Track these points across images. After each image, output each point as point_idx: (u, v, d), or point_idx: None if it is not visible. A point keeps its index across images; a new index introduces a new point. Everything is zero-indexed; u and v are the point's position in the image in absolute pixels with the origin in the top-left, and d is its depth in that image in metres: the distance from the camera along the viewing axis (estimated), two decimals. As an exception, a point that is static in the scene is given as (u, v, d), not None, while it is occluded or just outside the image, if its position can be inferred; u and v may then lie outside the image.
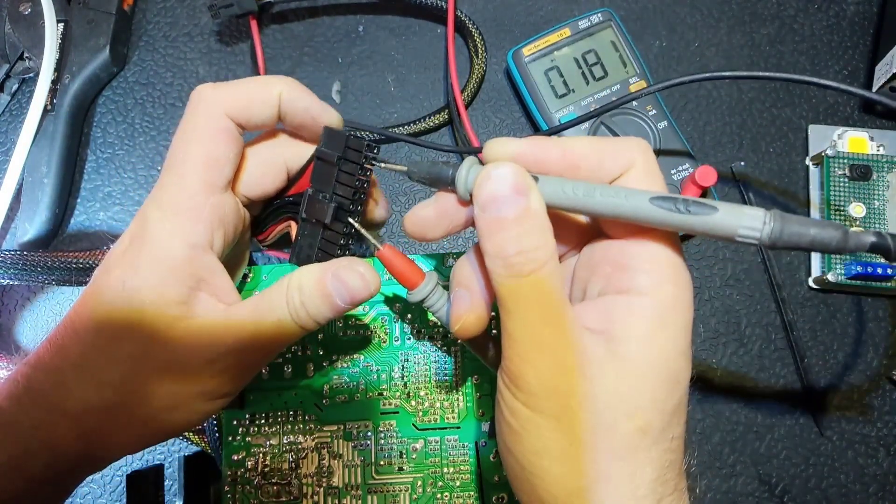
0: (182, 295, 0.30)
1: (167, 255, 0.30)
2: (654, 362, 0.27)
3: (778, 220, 0.25)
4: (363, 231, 0.33)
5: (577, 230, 0.31)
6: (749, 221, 0.25)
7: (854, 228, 0.46)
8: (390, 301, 0.42)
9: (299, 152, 0.34)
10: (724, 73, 0.43)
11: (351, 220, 0.33)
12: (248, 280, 0.40)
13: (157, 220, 0.30)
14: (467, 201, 0.29)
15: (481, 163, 0.29)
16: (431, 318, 0.42)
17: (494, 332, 0.39)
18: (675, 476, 0.27)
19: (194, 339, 0.30)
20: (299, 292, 0.31)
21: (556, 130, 0.47)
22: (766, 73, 0.42)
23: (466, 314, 0.30)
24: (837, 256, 0.46)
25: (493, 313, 0.37)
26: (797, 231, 0.25)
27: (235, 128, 0.31)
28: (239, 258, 0.37)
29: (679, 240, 0.28)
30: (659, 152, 0.47)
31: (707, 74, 0.43)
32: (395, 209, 0.51)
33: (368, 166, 0.32)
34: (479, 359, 0.37)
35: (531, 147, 0.29)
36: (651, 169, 0.29)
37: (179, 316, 0.30)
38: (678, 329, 0.28)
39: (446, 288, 0.34)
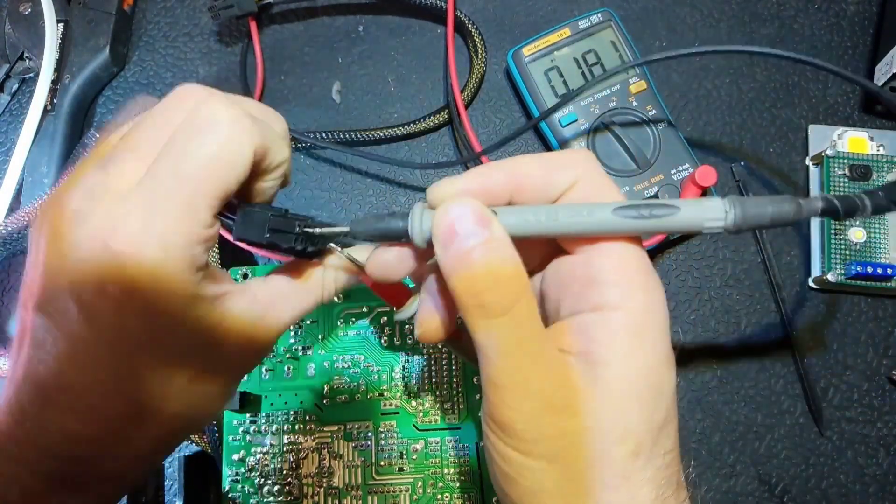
0: (200, 275, 0.26)
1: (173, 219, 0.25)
2: (637, 378, 0.26)
3: (738, 206, 0.25)
4: (348, 255, 0.30)
5: (538, 249, 0.30)
6: (711, 213, 0.26)
7: (854, 231, 0.47)
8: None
9: None
10: (717, 48, 0.43)
11: (337, 247, 0.30)
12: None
13: (152, 248, 0.25)
14: (424, 249, 0.28)
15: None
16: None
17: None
18: (674, 491, 0.27)
19: (231, 332, 0.27)
20: (335, 279, 0.31)
21: (544, 115, 0.47)
22: (763, 49, 0.42)
23: (429, 320, 0.30)
24: (837, 256, 0.46)
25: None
26: (756, 212, 0.26)
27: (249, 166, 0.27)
28: None
29: (640, 242, 0.28)
30: (659, 152, 0.47)
31: (701, 49, 0.43)
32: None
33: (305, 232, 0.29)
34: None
35: (475, 179, 0.28)
36: (597, 178, 0.28)
37: (208, 296, 0.26)
38: (656, 337, 0.27)
39: None
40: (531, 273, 0.31)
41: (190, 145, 0.25)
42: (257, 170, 0.27)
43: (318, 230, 0.29)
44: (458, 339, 0.34)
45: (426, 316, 0.30)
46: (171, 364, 0.26)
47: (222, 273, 0.29)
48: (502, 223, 0.26)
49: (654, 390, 0.27)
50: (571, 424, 0.26)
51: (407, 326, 0.42)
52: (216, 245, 0.40)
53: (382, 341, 0.42)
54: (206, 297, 0.26)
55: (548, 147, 0.50)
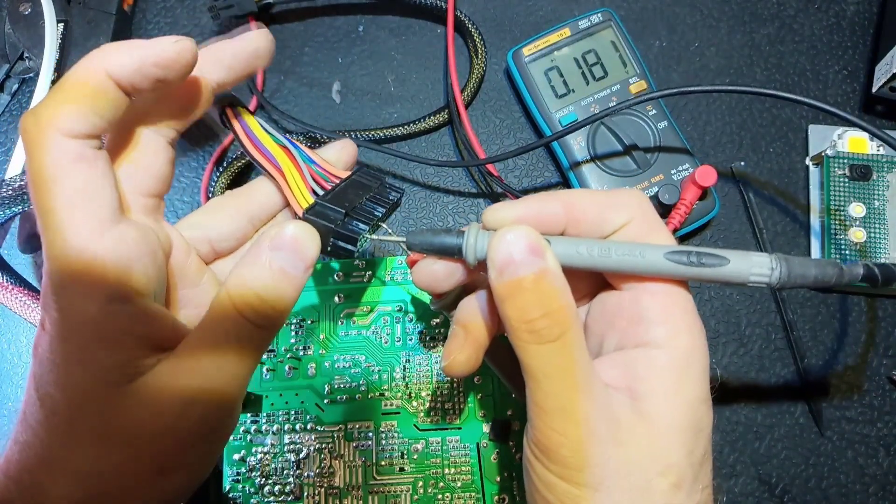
0: (117, 361, 0.25)
1: (79, 323, 0.25)
2: (679, 415, 0.27)
3: (784, 265, 0.27)
4: (395, 237, 0.31)
5: (586, 281, 0.31)
6: (758, 269, 0.27)
7: (854, 231, 0.47)
8: (392, 302, 0.42)
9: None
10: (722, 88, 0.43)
11: (383, 223, 0.32)
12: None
13: (56, 286, 0.25)
14: (475, 268, 0.29)
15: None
16: (433, 319, 0.42)
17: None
18: None
19: (148, 403, 0.26)
20: (253, 295, 0.26)
21: (560, 134, 0.47)
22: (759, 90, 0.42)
23: (457, 353, 0.30)
24: (837, 257, 0.46)
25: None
26: (801, 272, 0.27)
27: (86, 142, 0.25)
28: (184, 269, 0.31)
29: (688, 287, 0.29)
30: (659, 152, 0.47)
31: (709, 88, 0.43)
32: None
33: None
34: (491, 369, 0.37)
35: (532, 206, 0.29)
36: (651, 220, 0.29)
37: (124, 382, 0.25)
38: (698, 378, 0.28)
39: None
40: (578, 305, 0.31)
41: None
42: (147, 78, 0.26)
43: (375, 237, 0.31)
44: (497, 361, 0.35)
45: (454, 349, 0.30)
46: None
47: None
48: (555, 252, 0.27)
49: (695, 427, 0.28)
50: (617, 454, 0.26)
51: (409, 327, 0.42)
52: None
53: (383, 341, 0.42)
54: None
55: (548, 148, 0.50)
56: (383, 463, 0.40)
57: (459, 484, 0.40)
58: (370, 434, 0.41)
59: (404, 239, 0.30)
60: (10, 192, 0.43)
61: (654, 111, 0.48)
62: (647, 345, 0.28)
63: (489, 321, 0.31)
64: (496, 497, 0.40)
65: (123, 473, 0.26)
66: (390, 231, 0.31)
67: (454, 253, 0.29)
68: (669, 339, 0.28)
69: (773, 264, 0.27)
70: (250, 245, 0.32)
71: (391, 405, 0.41)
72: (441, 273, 0.30)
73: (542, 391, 0.26)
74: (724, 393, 0.47)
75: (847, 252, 0.46)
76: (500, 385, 0.41)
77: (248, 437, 0.41)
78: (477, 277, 0.31)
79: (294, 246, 0.27)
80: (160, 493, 0.27)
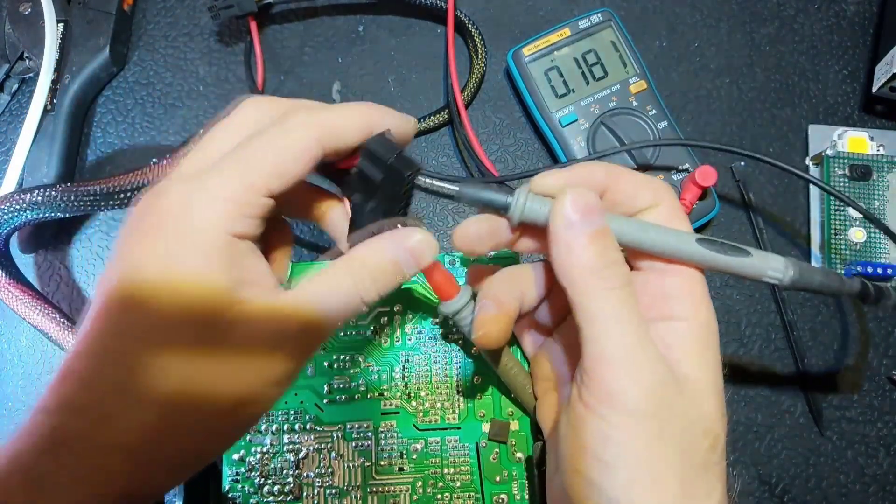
0: (230, 280, 0.27)
1: (210, 239, 0.27)
2: (712, 379, 0.29)
3: (796, 268, 0.30)
4: (447, 185, 0.32)
5: None
6: (774, 265, 0.30)
7: (854, 230, 0.47)
8: (391, 301, 0.42)
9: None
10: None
11: (427, 179, 0.32)
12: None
13: (202, 202, 0.27)
14: (516, 227, 0.31)
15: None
16: (432, 319, 0.42)
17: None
18: (726, 495, 0.29)
19: (256, 323, 0.27)
20: (369, 269, 0.30)
21: (571, 162, 0.47)
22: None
23: (490, 324, 0.31)
24: (837, 257, 0.46)
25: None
26: (809, 277, 0.31)
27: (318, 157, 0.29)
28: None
29: (703, 270, 0.31)
30: (659, 152, 0.47)
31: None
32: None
33: (411, 185, 0.31)
34: (489, 367, 0.37)
35: (579, 174, 0.31)
36: (676, 208, 0.31)
37: (235, 299, 0.27)
38: (716, 347, 0.30)
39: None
40: None
41: (254, 140, 0.28)
42: (332, 154, 0.29)
43: (427, 181, 0.31)
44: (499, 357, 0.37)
45: (487, 320, 0.32)
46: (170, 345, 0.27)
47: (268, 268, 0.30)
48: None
49: (721, 393, 0.30)
50: (677, 403, 0.28)
51: (408, 326, 0.42)
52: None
53: (383, 341, 0.42)
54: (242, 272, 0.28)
55: (549, 147, 0.50)
56: (382, 463, 0.40)
57: (458, 484, 0.40)
58: (369, 434, 0.41)
59: (457, 188, 0.31)
60: (39, 200, 0.44)
61: (654, 111, 0.48)
62: (672, 318, 0.30)
63: (520, 294, 0.33)
64: (495, 497, 0.40)
65: (206, 397, 0.27)
66: (439, 182, 0.32)
67: (500, 208, 0.31)
68: (692, 313, 0.30)
69: (788, 266, 0.30)
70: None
71: (390, 405, 0.41)
72: (483, 236, 0.32)
73: (608, 336, 0.28)
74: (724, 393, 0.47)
75: (847, 252, 0.46)
76: (499, 385, 0.41)
77: (248, 437, 0.41)
78: (512, 243, 0.33)
79: (416, 255, 0.31)
80: (233, 426, 0.29)
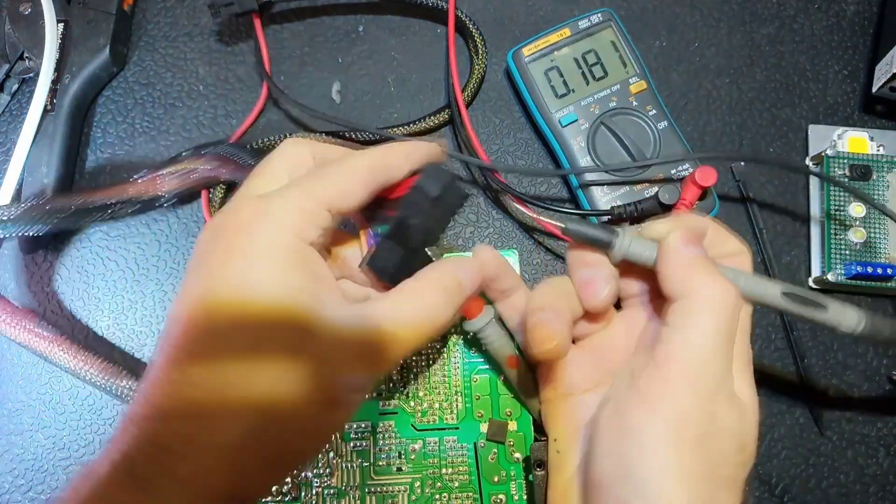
0: (308, 282, 0.30)
1: (286, 243, 0.29)
2: (755, 400, 0.32)
3: (870, 321, 0.33)
4: (554, 221, 0.36)
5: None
6: (849, 320, 0.33)
7: (854, 230, 0.47)
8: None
9: None
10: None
11: (428, 250, 0.35)
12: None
13: (278, 209, 0.30)
14: (615, 263, 0.34)
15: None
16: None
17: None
18: None
19: (344, 331, 0.29)
20: (459, 285, 0.33)
21: (574, 170, 0.47)
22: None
23: (558, 335, 0.33)
24: (837, 256, 0.46)
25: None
26: (880, 330, 0.33)
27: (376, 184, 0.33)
28: None
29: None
30: (659, 152, 0.47)
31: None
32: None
33: (459, 208, 0.35)
34: (497, 376, 0.37)
35: (685, 223, 0.34)
36: (749, 264, 0.35)
37: (315, 303, 0.29)
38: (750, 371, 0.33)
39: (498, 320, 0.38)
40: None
41: (322, 168, 0.32)
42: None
43: (544, 219, 0.39)
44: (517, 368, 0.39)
45: (555, 331, 0.33)
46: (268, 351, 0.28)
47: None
48: None
49: (758, 416, 0.32)
50: (724, 417, 0.30)
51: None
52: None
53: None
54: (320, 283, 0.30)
55: (549, 147, 0.50)
56: (381, 463, 0.40)
57: (457, 484, 0.40)
58: (368, 434, 0.41)
59: (563, 225, 0.34)
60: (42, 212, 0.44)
61: (654, 111, 0.48)
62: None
63: (571, 305, 0.35)
64: (493, 497, 0.40)
65: (296, 400, 0.28)
66: (548, 219, 0.38)
67: (603, 246, 0.34)
68: (741, 337, 0.33)
69: (862, 319, 0.33)
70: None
71: (389, 405, 0.41)
72: (614, 291, 0.35)
73: (699, 342, 0.30)
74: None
75: (847, 252, 0.46)
76: (498, 385, 0.41)
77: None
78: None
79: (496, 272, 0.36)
80: (323, 428, 0.31)
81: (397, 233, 0.34)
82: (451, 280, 0.33)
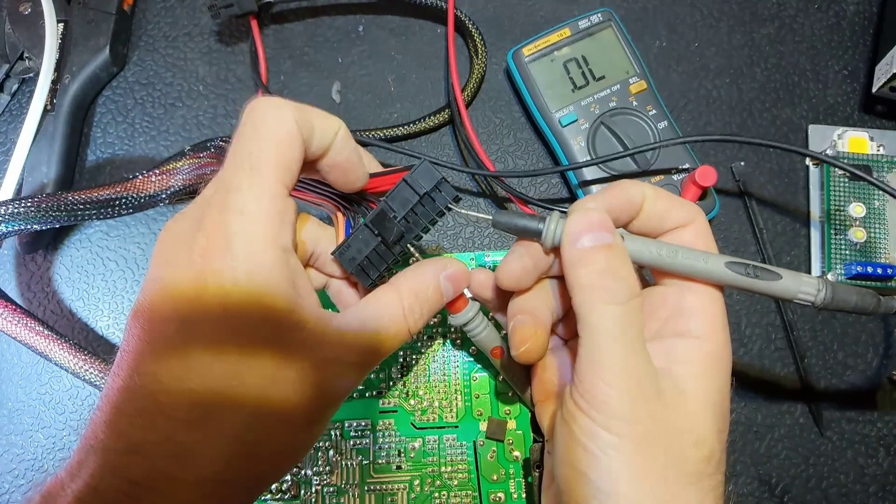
0: (290, 298, 0.28)
1: (262, 262, 0.27)
2: (713, 397, 0.30)
3: (830, 288, 0.30)
4: (418, 256, 0.35)
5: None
6: (806, 287, 0.30)
7: (854, 230, 0.47)
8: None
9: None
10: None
11: (409, 246, 0.34)
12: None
13: (242, 226, 0.27)
14: (549, 251, 0.32)
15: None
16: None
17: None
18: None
19: (316, 333, 0.29)
20: (418, 299, 0.32)
21: (573, 166, 0.47)
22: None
23: (532, 339, 0.32)
24: (837, 257, 0.46)
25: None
26: (844, 298, 0.30)
27: (301, 136, 0.30)
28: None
29: (723, 290, 0.32)
30: (659, 152, 0.47)
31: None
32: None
33: (446, 211, 0.34)
34: (496, 376, 0.37)
35: (613, 194, 0.32)
36: (706, 231, 0.33)
37: (294, 300, 0.28)
38: (727, 369, 0.31)
39: (485, 313, 0.37)
40: None
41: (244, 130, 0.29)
42: (313, 149, 0.31)
43: (463, 211, 0.34)
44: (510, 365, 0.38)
45: (528, 335, 0.33)
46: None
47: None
48: (628, 247, 0.31)
49: (723, 412, 0.31)
50: (662, 414, 0.29)
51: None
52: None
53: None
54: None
55: (549, 147, 0.50)
56: (380, 461, 0.40)
57: (456, 482, 0.40)
58: (367, 432, 0.41)
59: (489, 217, 0.33)
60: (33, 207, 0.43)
61: (654, 111, 0.48)
62: (687, 335, 0.31)
63: (551, 306, 0.34)
64: (492, 495, 0.40)
65: (279, 415, 0.28)
66: (475, 213, 0.35)
67: (533, 235, 0.32)
68: (708, 332, 0.31)
69: (821, 286, 0.30)
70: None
71: (388, 403, 0.41)
72: (527, 270, 0.33)
73: (598, 347, 0.29)
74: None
75: (847, 252, 0.46)
76: (497, 384, 0.41)
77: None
78: (551, 271, 0.34)
79: (457, 285, 0.34)
80: (303, 445, 0.31)
81: (377, 224, 0.33)
82: (431, 285, 0.33)
